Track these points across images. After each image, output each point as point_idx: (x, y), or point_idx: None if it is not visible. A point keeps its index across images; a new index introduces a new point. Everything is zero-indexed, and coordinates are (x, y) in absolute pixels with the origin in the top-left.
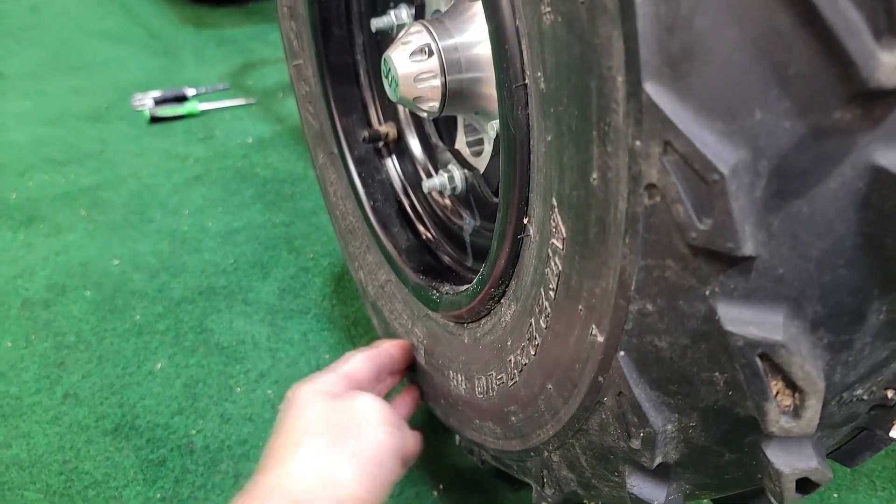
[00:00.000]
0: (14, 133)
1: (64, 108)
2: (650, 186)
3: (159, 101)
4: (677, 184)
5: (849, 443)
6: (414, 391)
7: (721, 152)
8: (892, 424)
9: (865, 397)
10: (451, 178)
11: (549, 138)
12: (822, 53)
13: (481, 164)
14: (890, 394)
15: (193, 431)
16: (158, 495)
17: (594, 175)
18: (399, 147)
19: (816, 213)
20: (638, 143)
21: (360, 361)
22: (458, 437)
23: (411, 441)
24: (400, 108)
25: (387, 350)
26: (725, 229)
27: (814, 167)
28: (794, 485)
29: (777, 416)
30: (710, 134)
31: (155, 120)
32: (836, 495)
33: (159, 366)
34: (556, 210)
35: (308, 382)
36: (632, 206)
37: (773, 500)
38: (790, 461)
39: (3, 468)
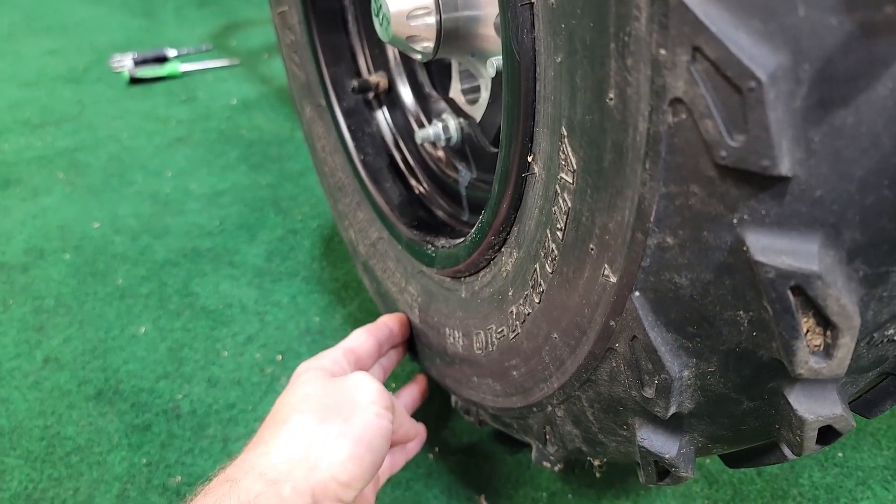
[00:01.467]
0: None
1: (40, 69)
2: (675, 101)
3: (139, 62)
4: (707, 96)
5: (870, 391)
6: (421, 382)
7: (758, 56)
8: None
9: (895, 338)
10: (445, 129)
11: (559, 59)
12: None
13: (477, 112)
14: None
15: (179, 396)
16: (144, 460)
17: (611, 94)
18: (390, 97)
19: (862, 126)
20: (663, 51)
21: (360, 336)
22: (454, 399)
23: (410, 429)
24: (391, 55)
25: (384, 323)
26: (761, 145)
27: (862, 71)
28: (815, 434)
29: (806, 356)
30: (746, 35)
31: (135, 81)
32: (840, 454)
33: (143, 330)
34: (566, 140)
35: (311, 360)
36: (654, 125)
37: (788, 452)
38: (814, 408)
39: None
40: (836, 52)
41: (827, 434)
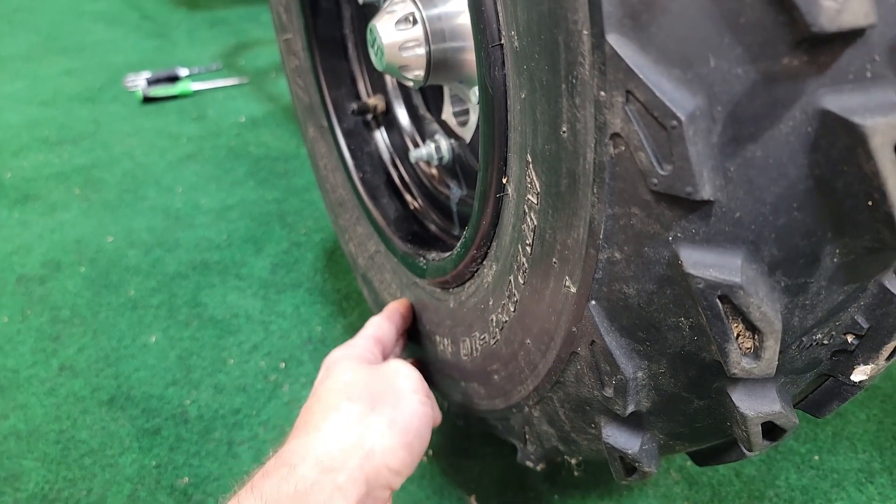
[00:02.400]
0: (8, 114)
1: (57, 88)
2: (615, 136)
3: (152, 82)
4: (639, 131)
5: (815, 391)
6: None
7: (679, 99)
8: (853, 369)
9: (826, 342)
10: (437, 148)
11: (523, 95)
12: (770, 1)
13: (467, 133)
14: (850, 338)
15: (187, 402)
16: (153, 462)
17: (564, 128)
18: (387, 119)
19: (770, 158)
20: (602, 93)
21: (382, 324)
22: (446, 403)
23: (437, 412)
24: (388, 80)
25: (396, 310)
26: (684, 174)
27: (766, 112)
28: (759, 429)
29: (738, 358)
30: (668, 82)
31: (148, 100)
32: (816, 458)
33: (153, 339)
34: (531, 166)
35: (342, 348)
36: (599, 155)
37: (744, 448)
38: (754, 405)
39: (2, 438)
40: (744, 97)
41: (773, 431)
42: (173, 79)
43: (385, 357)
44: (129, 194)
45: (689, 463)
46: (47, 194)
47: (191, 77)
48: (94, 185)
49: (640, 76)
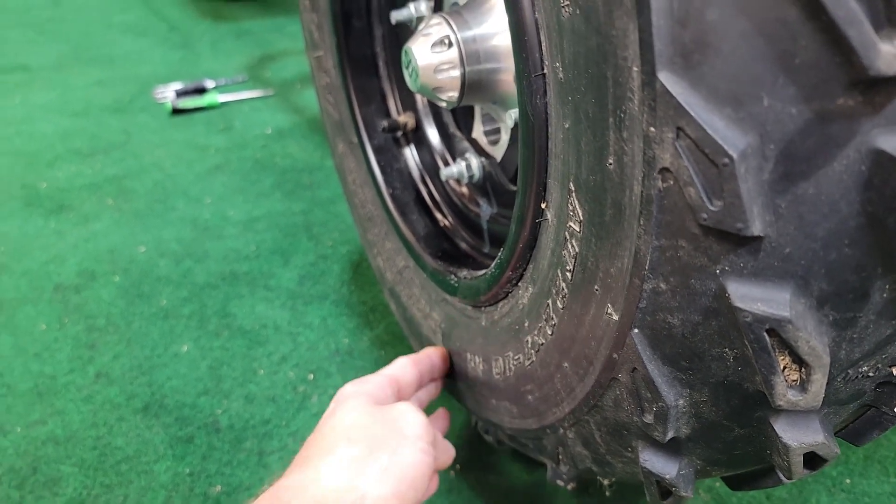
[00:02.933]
0: (41, 124)
1: (88, 99)
2: (664, 170)
3: (180, 93)
4: (689, 167)
5: (856, 421)
6: (445, 414)
7: (730, 137)
8: None
9: (871, 374)
10: (468, 167)
11: (566, 125)
12: (825, 43)
13: (498, 152)
14: (895, 370)
15: (219, 411)
16: (187, 470)
17: (611, 160)
18: (417, 136)
19: (822, 195)
20: (652, 129)
21: (405, 365)
22: (474, 419)
23: (443, 455)
24: (418, 97)
25: (428, 356)
26: (735, 210)
27: (819, 151)
28: (801, 459)
29: (784, 390)
30: (720, 120)
31: (176, 111)
32: (848, 481)
33: (185, 348)
34: (574, 194)
35: (355, 383)
36: (646, 188)
37: (782, 476)
38: (797, 436)
39: (40, 443)
40: (797, 135)
41: (814, 460)
42: (201, 91)
43: (401, 399)
44: (159, 205)
45: (719, 483)
46: (80, 204)
47: (217, 89)
48: (126, 196)
49: (692, 114)
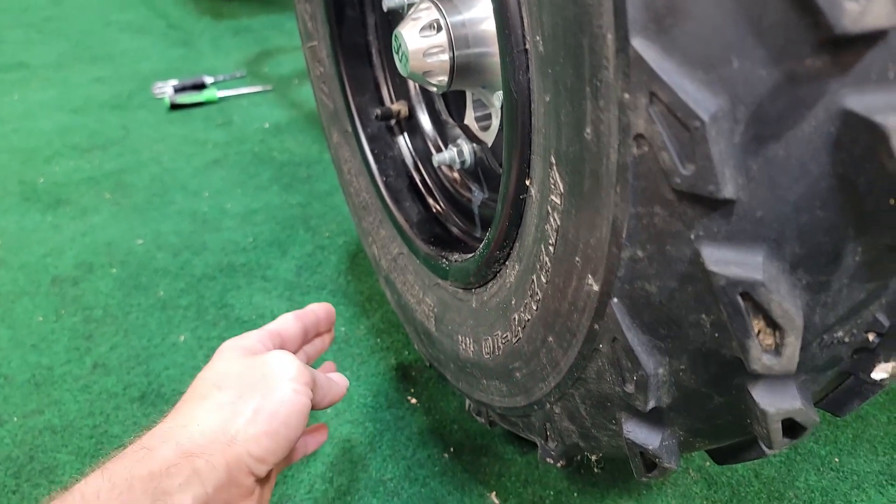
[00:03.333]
0: (41, 121)
1: (87, 96)
2: (638, 136)
3: (179, 89)
4: (662, 132)
5: (836, 390)
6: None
7: (701, 100)
8: (874, 367)
9: (847, 340)
10: (460, 153)
11: (547, 98)
12: (792, 4)
13: (489, 137)
14: (871, 336)
15: None
16: None
17: (588, 129)
18: (410, 124)
19: (792, 157)
20: (626, 95)
21: (287, 319)
22: (467, 402)
23: (330, 392)
24: (411, 85)
25: (311, 310)
26: (707, 173)
27: (788, 112)
28: (780, 426)
29: (759, 354)
30: (691, 83)
31: (175, 107)
32: (836, 460)
33: (182, 338)
34: (555, 167)
35: (234, 339)
36: (622, 156)
37: (763, 446)
38: (775, 402)
39: (37, 433)
40: (766, 97)
41: (794, 428)
42: (199, 86)
43: None
44: (157, 198)
45: (709, 463)
46: (79, 199)
47: (216, 84)
48: (124, 190)
49: (664, 78)
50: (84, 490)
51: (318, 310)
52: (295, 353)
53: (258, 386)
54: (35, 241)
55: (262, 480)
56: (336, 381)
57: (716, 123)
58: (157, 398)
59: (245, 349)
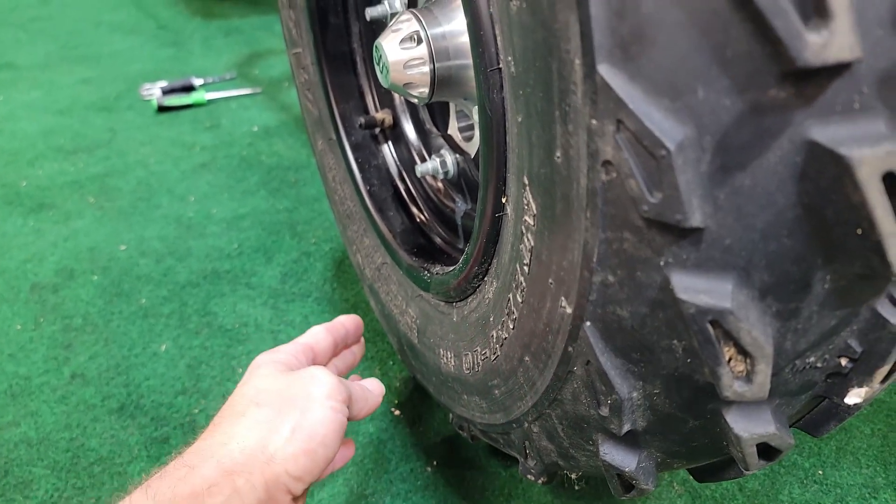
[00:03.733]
0: (24, 123)
1: (73, 98)
2: (606, 163)
3: (167, 91)
4: (630, 159)
5: (811, 412)
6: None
7: (668, 129)
8: (848, 392)
9: (820, 365)
10: (443, 163)
11: (519, 119)
12: (754, 34)
13: (472, 148)
14: (843, 361)
15: (196, 410)
16: None
17: (558, 153)
18: (395, 133)
19: (758, 186)
20: (594, 121)
21: (318, 332)
22: (450, 415)
23: (366, 405)
24: (395, 94)
25: (341, 322)
26: (674, 202)
27: (754, 142)
28: (754, 450)
29: (731, 381)
30: (657, 112)
31: (162, 109)
32: (820, 472)
33: (164, 347)
34: (528, 188)
35: (269, 353)
36: (591, 181)
37: (741, 467)
38: (749, 426)
39: (12, 446)
40: (732, 127)
41: (769, 451)
42: (188, 88)
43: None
44: (142, 203)
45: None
46: (62, 203)
47: (205, 87)
48: (108, 194)
49: (630, 106)
50: None
51: (347, 322)
52: (325, 365)
53: (296, 404)
54: (15, 246)
55: (296, 497)
56: (371, 388)
57: (682, 152)
58: (135, 410)
59: (281, 364)
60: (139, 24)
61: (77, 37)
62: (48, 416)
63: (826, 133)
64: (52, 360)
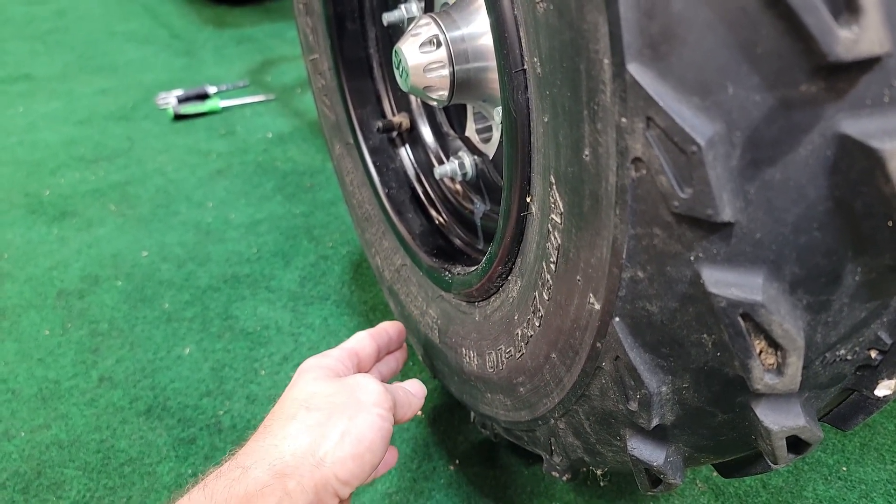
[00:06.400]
0: (45, 133)
1: (92, 108)
2: (636, 160)
3: (182, 100)
4: (660, 156)
5: (840, 405)
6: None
7: (698, 125)
8: (877, 384)
9: (849, 357)
10: (461, 165)
11: (545, 119)
12: (785, 31)
13: (490, 150)
14: (874, 354)
15: (221, 412)
16: (190, 471)
17: (586, 151)
18: (412, 136)
19: (789, 180)
20: (624, 119)
21: (363, 339)
22: (472, 414)
23: (410, 410)
24: (412, 98)
25: (384, 328)
26: (705, 197)
27: (784, 137)
28: (784, 443)
29: (761, 374)
30: (687, 109)
31: (178, 117)
32: (844, 469)
33: (188, 351)
34: (555, 187)
35: (316, 357)
36: (620, 178)
37: (769, 462)
38: (778, 420)
39: (44, 448)
40: (762, 122)
41: (798, 444)
42: (203, 96)
43: (361, 372)
44: (161, 210)
45: (716, 473)
46: (84, 211)
47: (219, 94)
48: (129, 202)
49: (660, 103)
50: None
51: (390, 328)
52: (369, 370)
53: (345, 409)
54: (41, 253)
55: (342, 501)
56: (413, 391)
57: (712, 148)
58: (162, 411)
59: (328, 369)
60: (153, 34)
61: (93, 47)
62: (78, 418)
63: (857, 126)
64: (81, 364)
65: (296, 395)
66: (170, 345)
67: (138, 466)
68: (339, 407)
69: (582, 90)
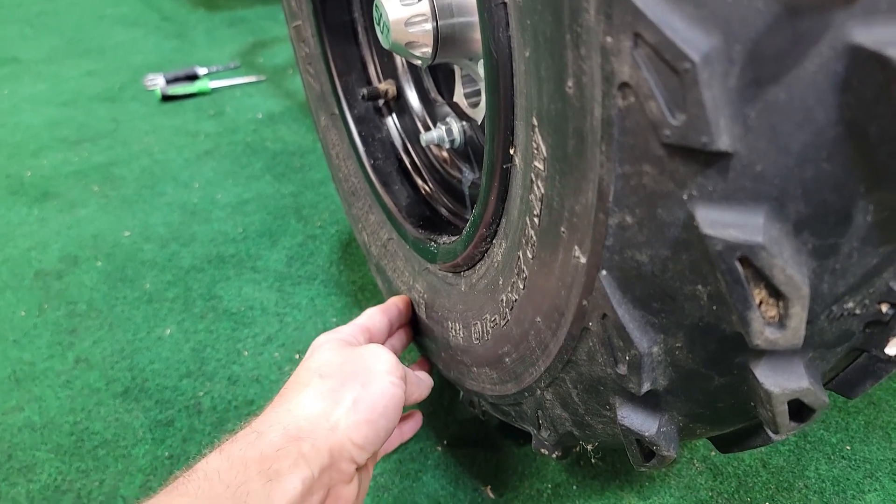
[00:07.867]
0: (28, 115)
1: (78, 89)
2: (623, 85)
3: (171, 81)
4: (649, 79)
5: (847, 369)
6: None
7: (692, 39)
8: (888, 342)
9: (858, 312)
10: (449, 131)
11: (527, 54)
12: None
13: (479, 114)
14: (885, 308)
15: (201, 393)
16: (167, 453)
17: (569, 83)
18: (399, 104)
19: (795, 101)
20: (609, 39)
21: (374, 314)
22: (460, 393)
23: (417, 390)
24: (399, 64)
25: (394, 303)
26: (699, 122)
27: (789, 50)
28: (786, 408)
29: (761, 327)
30: (680, 20)
31: (166, 98)
32: (848, 448)
33: (168, 332)
34: (537, 129)
35: (329, 333)
36: (606, 109)
37: (770, 432)
38: (780, 381)
39: (16, 430)
40: (765, 33)
41: (801, 411)
42: (192, 77)
43: None
44: (146, 190)
45: (714, 453)
46: (66, 192)
47: (209, 76)
48: (113, 183)
49: (649, 16)
50: (206, 469)
51: (399, 302)
52: (382, 344)
53: (357, 377)
54: (20, 234)
55: (360, 468)
56: (422, 378)
57: (708, 65)
58: (140, 393)
59: (341, 341)
60: (142, 17)
61: (82, 31)
62: (52, 400)
63: (871, 35)
64: (57, 345)
65: (310, 364)
66: (150, 325)
67: (113, 449)
68: (352, 374)
69: (564, 12)
